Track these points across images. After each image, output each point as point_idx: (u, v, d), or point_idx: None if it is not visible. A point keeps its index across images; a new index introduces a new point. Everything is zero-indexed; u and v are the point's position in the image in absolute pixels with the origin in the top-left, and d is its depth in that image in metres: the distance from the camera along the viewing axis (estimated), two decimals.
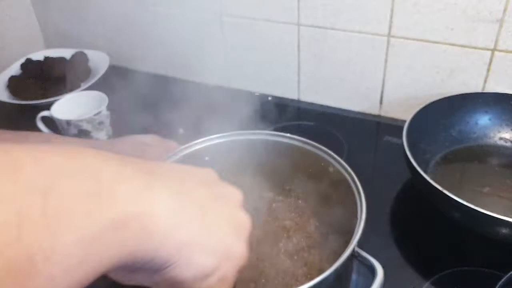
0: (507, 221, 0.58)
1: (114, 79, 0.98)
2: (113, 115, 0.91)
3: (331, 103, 1.03)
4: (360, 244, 0.51)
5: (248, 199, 0.69)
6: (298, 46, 0.98)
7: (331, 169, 0.62)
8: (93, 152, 0.29)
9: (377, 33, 0.89)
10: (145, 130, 0.84)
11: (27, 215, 0.23)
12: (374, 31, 0.89)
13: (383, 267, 0.50)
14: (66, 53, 1.18)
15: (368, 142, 0.94)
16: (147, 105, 0.91)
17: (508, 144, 0.83)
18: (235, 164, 0.70)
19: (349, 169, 0.59)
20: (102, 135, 0.88)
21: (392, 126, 0.94)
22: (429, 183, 0.64)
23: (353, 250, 0.50)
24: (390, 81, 0.93)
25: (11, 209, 0.22)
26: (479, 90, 0.86)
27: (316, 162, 0.64)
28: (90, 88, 1.03)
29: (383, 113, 0.98)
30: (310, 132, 0.96)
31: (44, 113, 0.88)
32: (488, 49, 0.82)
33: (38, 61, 1.15)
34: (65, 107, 0.89)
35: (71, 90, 1.05)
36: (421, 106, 0.79)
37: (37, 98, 1.03)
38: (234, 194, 0.37)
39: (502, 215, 0.58)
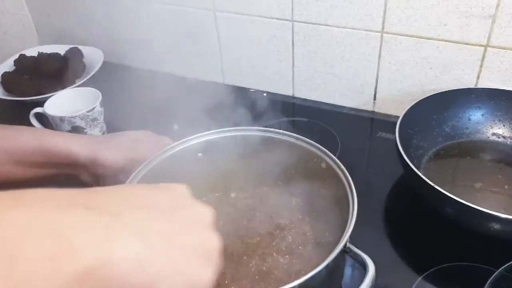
0: (499, 216, 0.58)
1: (109, 75, 0.98)
2: (107, 112, 0.91)
3: (325, 99, 1.03)
4: (353, 239, 0.52)
5: (241, 196, 0.70)
6: (292, 42, 0.98)
7: (323, 165, 0.62)
8: (49, 199, 0.29)
9: (371, 29, 0.89)
10: (139, 126, 0.84)
11: None
12: (368, 27, 0.89)
13: (376, 262, 0.50)
14: (61, 49, 1.17)
15: (361, 138, 0.94)
16: (141, 101, 0.90)
17: (501, 139, 0.84)
18: (228, 160, 0.71)
19: (341, 165, 0.60)
20: (96, 131, 0.88)
21: (385, 122, 0.95)
22: (421, 179, 0.64)
23: (345, 246, 0.50)
24: (384, 77, 0.93)
25: None
26: (472, 85, 0.87)
27: (309, 158, 0.64)
28: (84, 84, 1.02)
29: (376, 109, 0.99)
30: (304, 128, 0.96)
31: (37, 109, 0.88)
32: (481, 45, 0.82)
33: (32, 57, 1.14)
34: (59, 103, 0.89)
35: (65, 86, 1.04)
36: (414, 102, 0.80)
37: (31, 95, 1.03)
38: (203, 215, 0.37)
39: (494, 210, 0.58)
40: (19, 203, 0.28)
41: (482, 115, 0.84)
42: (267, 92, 1.08)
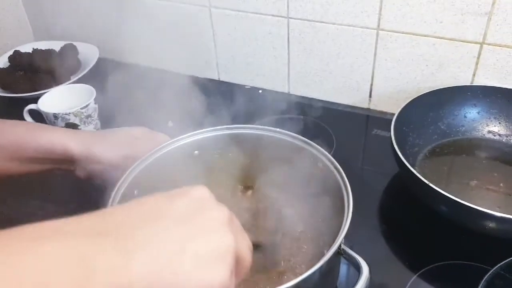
0: (494, 215, 0.58)
1: (104, 72, 0.97)
2: (102, 108, 0.91)
3: (320, 97, 1.03)
4: (348, 237, 0.51)
5: (236, 194, 0.70)
6: (288, 39, 0.97)
7: (319, 164, 0.62)
8: (68, 231, 0.31)
9: (366, 26, 0.89)
10: (134, 123, 0.84)
11: None
12: (363, 24, 0.88)
13: (371, 260, 0.50)
14: (55, 45, 1.16)
15: (357, 135, 0.94)
16: (136, 98, 0.90)
17: (497, 137, 0.84)
18: (224, 158, 0.70)
19: (337, 165, 0.59)
20: (90, 128, 0.87)
21: (381, 120, 0.94)
22: (416, 177, 0.64)
23: (339, 248, 0.50)
24: (379, 75, 0.93)
25: None
26: (468, 83, 0.87)
27: (305, 156, 0.64)
28: (79, 81, 1.02)
29: (372, 107, 0.98)
30: (300, 125, 0.95)
31: (31, 106, 0.87)
32: (477, 43, 0.82)
33: (27, 54, 1.13)
34: (53, 100, 0.88)
35: (60, 83, 1.04)
36: (410, 100, 0.79)
37: (25, 91, 1.02)
38: (217, 216, 0.37)
39: (489, 208, 0.58)
40: (44, 235, 0.30)
41: (478, 112, 0.84)
42: (263, 89, 1.07)
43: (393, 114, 0.77)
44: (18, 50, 1.14)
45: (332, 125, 0.93)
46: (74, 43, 1.16)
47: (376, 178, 0.81)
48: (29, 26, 1.31)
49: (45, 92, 0.92)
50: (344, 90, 0.99)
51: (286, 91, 1.06)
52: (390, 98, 0.95)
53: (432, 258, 0.65)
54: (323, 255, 0.48)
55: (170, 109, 0.81)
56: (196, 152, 0.68)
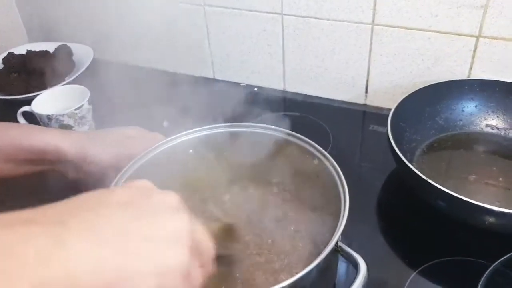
0: (493, 210, 0.57)
1: (99, 73, 0.97)
2: (97, 109, 0.90)
3: (316, 93, 1.02)
4: (346, 234, 0.51)
5: (233, 193, 0.69)
6: (282, 35, 0.97)
7: (316, 162, 0.62)
8: None
9: (361, 21, 0.88)
10: (129, 123, 0.83)
11: None
12: (358, 19, 0.88)
13: (370, 257, 0.50)
14: (50, 46, 1.16)
15: (353, 131, 0.93)
16: (131, 98, 0.89)
17: (495, 131, 0.83)
18: (219, 157, 0.70)
19: (333, 161, 0.59)
20: (84, 129, 0.86)
21: (377, 115, 0.94)
22: (414, 172, 0.63)
23: (336, 245, 0.49)
24: (375, 70, 0.92)
25: None
26: (464, 77, 0.86)
27: (301, 154, 0.63)
28: (74, 82, 1.01)
29: (368, 102, 0.98)
30: (296, 122, 0.94)
31: (25, 108, 0.86)
32: (473, 36, 0.81)
33: (21, 55, 1.13)
34: (47, 101, 0.88)
35: (54, 84, 1.03)
36: (406, 94, 0.79)
37: (19, 93, 1.02)
38: (164, 200, 0.36)
39: (489, 203, 0.57)
40: None
41: (476, 106, 0.83)
42: (258, 87, 1.07)
43: (390, 110, 0.76)
44: (12, 52, 1.14)
45: (329, 121, 0.92)
46: (68, 44, 1.15)
47: (373, 174, 0.80)
48: (23, 27, 1.30)
49: (40, 94, 0.91)
50: (340, 86, 0.98)
51: (281, 88, 1.05)
52: (386, 93, 0.94)
53: (431, 255, 0.65)
54: (320, 253, 0.47)
55: (165, 109, 0.81)
56: (191, 151, 0.68)
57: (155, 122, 0.82)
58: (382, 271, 0.63)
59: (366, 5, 0.85)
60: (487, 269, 0.58)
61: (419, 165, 0.77)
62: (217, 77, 1.11)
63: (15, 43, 1.21)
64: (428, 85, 0.81)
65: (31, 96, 0.95)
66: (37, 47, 1.16)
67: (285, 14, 0.94)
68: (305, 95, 1.03)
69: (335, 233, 0.49)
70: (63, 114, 0.83)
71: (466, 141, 0.82)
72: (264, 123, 0.68)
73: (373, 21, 0.87)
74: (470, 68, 0.85)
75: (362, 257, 0.50)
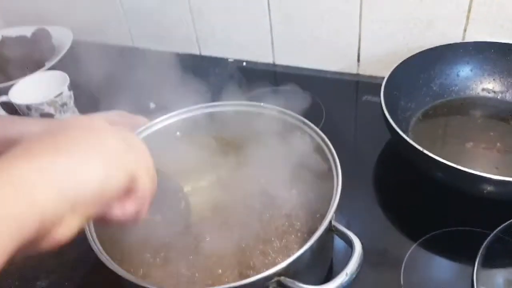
0: (491, 178, 0.56)
1: (80, 55, 0.93)
2: (80, 94, 0.87)
3: (307, 65, 0.99)
4: (343, 209, 0.49)
5: (224, 173, 0.67)
6: (268, 5, 0.93)
7: (308, 139, 0.60)
8: None
9: None
10: (114, 107, 0.80)
11: None
12: None
13: (369, 231, 0.50)
14: (27, 31, 1.12)
15: (347, 103, 0.91)
16: (115, 80, 0.86)
17: (491, 94, 0.81)
18: (208, 138, 0.68)
19: (325, 138, 0.57)
20: (67, 117, 0.84)
21: (371, 85, 0.91)
22: (409, 143, 0.61)
23: (330, 225, 0.47)
24: (366, 37, 0.89)
25: None
26: (459, 40, 0.83)
27: (293, 131, 0.62)
28: (55, 67, 0.98)
29: (361, 72, 0.95)
30: (287, 96, 0.91)
31: (3, 98, 0.83)
32: None
33: None
34: (25, 90, 0.84)
35: (35, 70, 0.99)
36: (399, 62, 0.76)
37: None
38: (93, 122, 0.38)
39: (487, 170, 0.56)
40: None
41: (471, 70, 0.81)
42: (247, 61, 1.04)
43: (383, 78, 0.73)
44: None
45: (321, 94, 0.89)
46: (46, 27, 1.11)
47: (368, 146, 0.79)
48: None
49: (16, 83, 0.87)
50: (331, 56, 0.95)
51: (271, 61, 1.02)
52: (379, 62, 0.91)
53: (431, 226, 0.64)
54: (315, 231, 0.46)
55: (151, 90, 0.78)
56: (178, 133, 0.66)
57: (142, 104, 0.80)
58: (382, 244, 0.62)
59: None
60: (487, 237, 0.58)
61: (415, 134, 0.75)
62: (203, 53, 1.08)
63: None
64: (422, 51, 0.79)
65: (10, 84, 0.92)
66: (14, 32, 1.12)
67: None
68: (296, 68, 1.00)
69: (327, 213, 0.47)
70: (43, 103, 0.80)
71: (462, 106, 0.80)
72: (255, 100, 0.66)
73: None
74: (465, 31, 0.82)
75: (361, 231, 0.49)
